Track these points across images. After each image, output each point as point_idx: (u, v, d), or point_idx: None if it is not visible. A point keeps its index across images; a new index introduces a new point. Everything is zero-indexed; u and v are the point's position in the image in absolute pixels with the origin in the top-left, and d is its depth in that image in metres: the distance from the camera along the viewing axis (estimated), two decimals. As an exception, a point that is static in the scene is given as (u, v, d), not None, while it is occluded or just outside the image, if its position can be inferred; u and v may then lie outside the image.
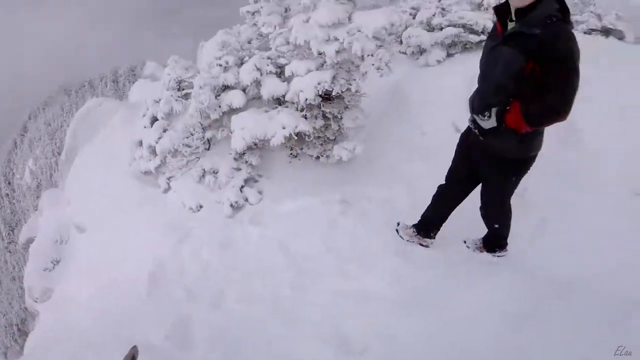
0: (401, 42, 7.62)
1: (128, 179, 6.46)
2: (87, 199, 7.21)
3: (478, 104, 3.00)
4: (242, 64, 5.40)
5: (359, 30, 4.45)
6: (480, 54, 3.10)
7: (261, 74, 5.08)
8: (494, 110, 2.86)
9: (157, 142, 5.91)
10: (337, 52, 4.48)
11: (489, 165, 3.21)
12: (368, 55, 4.54)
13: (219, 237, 4.93)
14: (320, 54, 4.65)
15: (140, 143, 6.34)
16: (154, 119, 6.27)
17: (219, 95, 5.37)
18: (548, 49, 2.53)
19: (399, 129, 5.77)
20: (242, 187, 5.28)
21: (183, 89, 6.16)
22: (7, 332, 24.98)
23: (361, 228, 4.43)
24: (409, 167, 5.13)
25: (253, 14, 5.80)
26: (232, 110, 5.29)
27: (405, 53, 7.64)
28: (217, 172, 5.46)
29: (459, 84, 5.50)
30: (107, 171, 7.04)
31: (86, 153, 8.15)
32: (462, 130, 3.48)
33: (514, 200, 3.94)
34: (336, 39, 4.49)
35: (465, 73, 5.52)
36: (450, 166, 3.60)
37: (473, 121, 3.11)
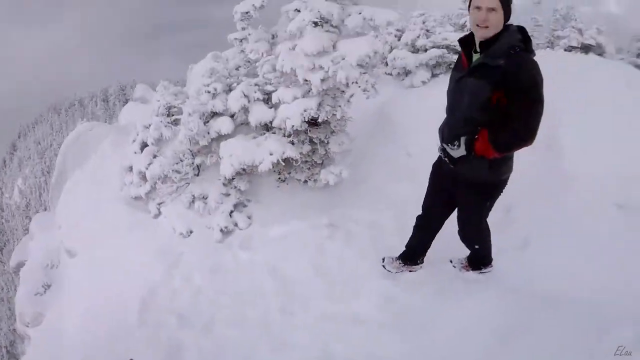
0: (387, 64, 7.76)
1: (119, 204, 6.48)
2: (78, 224, 7.20)
3: (447, 134, 3.07)
4: (230, 90, 5.50)
5: (343, 59, 4.56)
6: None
7: (249, 101, 5.18)
8: (462, 139, 2.93)
9: (147, 168, 5.97)
10: (323, 80, 4.58)
11: (463, 192, 3.28)
12: (353, 83, 4.64)
13: (210, 262, 4.99)
14: (306, 81, 4.75)
15: (131, 169, 6.39)
16: (144, 145, 6.34)
17: (208, 121, 5.46)
18: (512, 79, 2.62)
19: (385, 150, 5.85)
20: (232, 212, 5.33)
21: (172, 115, 6.25)
22: (-4, 354, 24.67)
23: (348, 251, 4.50)
24: (395, 189, 5.18)
25: (241, 40, 5.92)
26: (221, 137, 5.38)
27: (391, 74, 7.77)
28: (206, 198, 5.52)
29: (443, 105, 5.61)
30: (98, 196, 7.06)
31: (77, 178, 8.17)
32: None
33: (499, 218, 4.05)
34: (321, 68, 4.58)
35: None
36: (426, 196, 3.66)
37: (443, 150, 3.17)
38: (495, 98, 2.73)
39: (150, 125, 6.29)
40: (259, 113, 5.11)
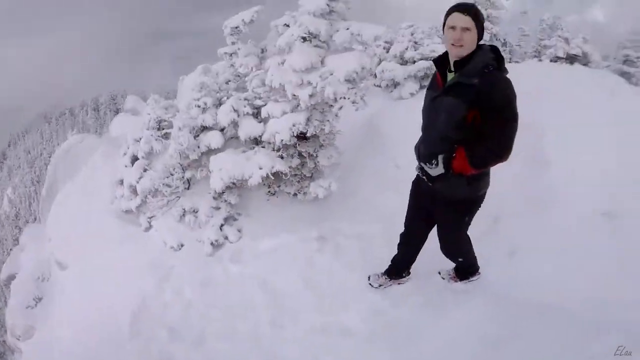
0: (375, 76, 7.85)
1: (109, 217, 6.50)
2: (69, 237, 7.21)
3: (424, 152, 3.12)
4: (220, 104, 5.56)
5: (331, 74, 4.62)
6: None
7: (238, 115, 5.24)
8: (440, 157, 2.97)
9: (137, 182, 6.00)
10: (311, 95, 4.65)
11: (442, 209, 3.33)
12: (341, 98, 4.71)
13: (200, 275, 5.01)
14: (294, 96, 4.81)
15: (121, 182, 6.42)
16: (135, 158, 6.38)
17: (198, 135, 5.51)
18: (485, 98, 2.69)
19: (374, 162, 5.91)
20: (222, 225, 5.36)
21: (163, 129, 6.29)
22: (-16, 366, 24.28)
23: (338, 264, 4.55)
24: (384, 200, 5.22)
25: (230, 55, 5.98)
26: (211, 151, 5.43)
27: (379, 86, 7.87)
28: (197, 212, 5.56)
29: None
30: (89, 209, 7.07)
31: (67, 190, 8.18)
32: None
33: (486, 228, 4.12)
34: (309, 83, 4.65)
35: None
36: (407, 213, 3.72)
37: (421, 169, 3.22)
38: (471, 116, 2.79)
39: (140, 139, 6.32)
40: (249, 127, 5.17)
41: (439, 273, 4.02)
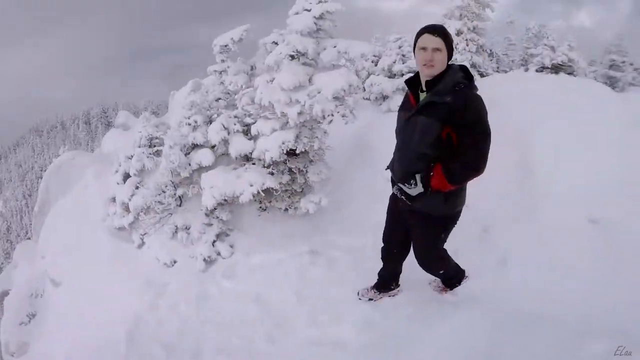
0: (364, 89, 7.95)
1: (102, 235, 6.52)
2: (62, 254, 7.20)
3: (401, 173, 3.17)
4: (210, 122, 5.63)
5: (319, 92, 4.70)
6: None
7: (228, 133, 5.32)
8: (418, 176, 3.02)
9: (129, 199, 6.04)
10: (299, 113, 4.72)
11: (419, 226, 3.37)
12: (329, 115, 4.79)
13: (194, 291, 5.02)
14: (283, 114, 4.89)
15: (114, 199, 6.46)
16: (127, 176, 6.43)
17: (189, 153, 5.58)
18: (458, 115, 2.79)
19: (363, 174, 5.95)
20: (214, 241, 5.40)
21: (154, 146, 6.35)
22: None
23: (330, 277, 4.60)
24: (374, 213, 5.22)
25: (220, 73, 6.07)
26: (202, 168, 5.49)
27: (368, 99, 7.96)
28: (189, 228, 5.60)
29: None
30: (81, 226, 7.08)
31: (60, 207, 8.17)
32: None
33: (476, 238, 4.19)
34: (298, 102, 4.73)
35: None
36: (385, 229, 3.77)
37: (399, 190, 3.24)
38: (445, 134, 2.88)
39: (132, 156, 6.38)
40: (239, 145, 5.23)
41: (430, 284, 4.07)
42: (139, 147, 6.34)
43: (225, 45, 5.95)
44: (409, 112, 3.05)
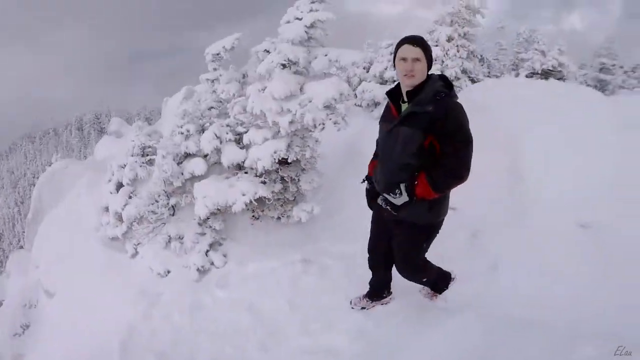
0: (356, 96, 7.99)
1: (96, 245, 6.51)
2: (56, 264, 7.19)
3: (385, 183, 3.17)
4: (203, 131, 5.65)
5: (310, 101, 4.73)
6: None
7: (221, 142, 5.34)
8: (402, 186, 3.02)
9: (123, 209, 6.05)
10: (291, 122, 4.76)
11: (403, 235, 3.36)
12: (320, 124, 4.82)
13: (188, 301, 5.03)
14: (275, 123, 4.92)
15: (107, 209, 6.46)
16: (120, 185, 6.43)
17: (182, 162, 5.59)
18: (439, 124, 2.83)
19: (355, 181, 5.87)
20: (208, 251, 5.41)
21: (147, 155, 6.36)
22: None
23: (322, 285, 4.61)
24: (366, 219, 5.22)
25: (212, 81, 6.10)
26: (195, 177, 5.51)
27: (360, 106, 8.00)
28: (182, 238, 5.60)
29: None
30: (75, 236, 7.07)
31: (53, 217, 8.16)
32: None
33: (467, 244, 4.20)
34: (289, 111, 4.76)
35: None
36: (370, 240, 3.80)
37: (384, 200, 3.22)
38: (428, 142, 2.91)
39: (125, 165, 6.38)
40: (231, 154, 5.26)
41: (420, 291, 4.07)
42: (132, 156, 6.35)
43: (217, 54, 5.99)
44: (391, 123, 3.08)
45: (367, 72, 8.47)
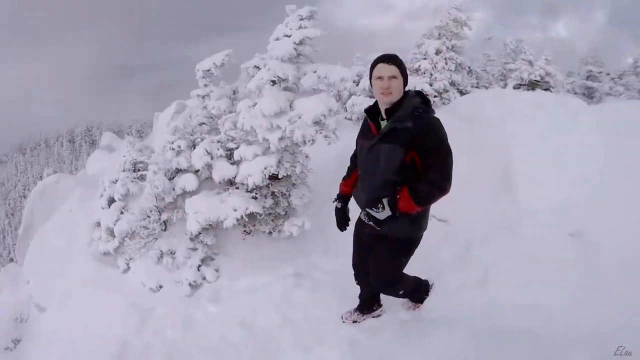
0: (346, 110, 8.06)
1: (87, 260, 6.51)
2: (47, 279, 7.18)
3: (367, 199, 3.19)
4: (194, 146, 5.69)
5: (300, 118, 4.79)
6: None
7: (212, 158, 5.39)
8: (385, 200, 3.04)
9: (114, 224, 6.07)
10: (280, 139, 4.82)
11: (385, 249, 3.37)
12: (309, 141, 4.87)
13: (180, 316, 5.03)
14: (265, 139, 4.98)
15: (99, 224, 6.47)
16: (111, 200, 6.46)
17: (173, 177, 5.63)
18: (420, 140, 2.88)
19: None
20: (200, 266, 5.44)
21: (139, 170, 6.40)
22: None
23: (314, 299, 4.64)
24: None
25: (203, 97, 6.16)
26: (186, 193, 5.55)
27: (350, 119, 8.07)
28: (174, 253, 5.62)
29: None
30: (67, 251, 7.06)
31: (45, 232, 8.14)
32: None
33: (459, 255, 4.23)
34: (279, 127, 4.82)
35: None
36: (353, 256, 3.85)
37: (367, 215, 3.22)
38: (409, 157, 2.96)
39: (117, 181, 6.41)
40: (222, 170, 5.31)
41: (402, 305, 4.11)
42: (124, 171, 6.39)
43: (208, 70, 6.06)
44: (371, 141, 3.10)
45: (357, 85, 8.54)
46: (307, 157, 5.38)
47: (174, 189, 5.51)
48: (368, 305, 4.06)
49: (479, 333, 3.55)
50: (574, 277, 3.95)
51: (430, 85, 8.85)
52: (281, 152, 5.12)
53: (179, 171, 5.68)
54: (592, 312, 3.53)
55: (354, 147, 3.68)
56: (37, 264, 7.85)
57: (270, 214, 5.50)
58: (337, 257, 5.13)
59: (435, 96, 8.96)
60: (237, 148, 5.32)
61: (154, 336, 4.97)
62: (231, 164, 5.35)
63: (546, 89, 11.99)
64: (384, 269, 3.49)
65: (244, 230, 5.70)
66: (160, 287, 5.57)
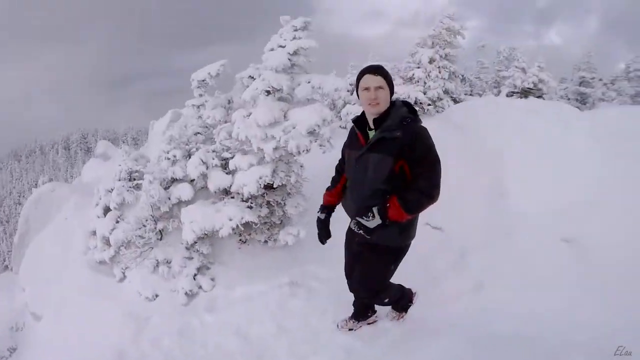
0: (341, 118, 8.11)
1: (83, 269, 6.50)
2: (43, 287, 7.18)
3: (357, 208, 3.20)
4: (189, 156, 5.73)
5: (294, 128, 4.84)
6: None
7: (207, 168, 5.42)
8: (375, 209, 3.04)
9: (110, 233, 6.09)
10: (275, 149, 4.87)
11: (374, 258, 3.40)
12: (304, 151, 4.91)
13: (177, 325, 5.04)
14: (260, 149, 5.02)
15: (94, 233, 6.48)
16: (107, 209, 6.48)
17: (169, 187, 5.67)
18: (408, 149, 2.93)
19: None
20: (195, 275, 5.45)
21: (134, 179, 6.42)
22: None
23: (310, 307, 4.67)
24: None
25: (198, 107, 6.20)
26: (182, 202, 5.58)
27: (345, 127, 8.12)
28: (170, 262, 5.65)
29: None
30: (62, 260, 7.06)
31: (40, 240, 8.15)
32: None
33: (454, 263, 4.26)
34: (273, 137, 4.87)
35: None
36: (345, 265, 3.89)
37: (357, 224, 3.22)
38: (398, 167, 3.00)
39: (112, 190, 6.43)
40: (217, 179, 5.34)
41: (387, 316, 4.14)
42: (119, 180, 6.41)
43: (203, 80, 6.11)
44: (360, 151, 3.14)
45: (352, 94, 8.60)
46: (301, 166, 5.43)
47: (169, 199, 5.55)
48: (362, 312, 4.09)
49: (475, 339, 3.57)
50: (570, 281, 4.02)
51: (424, 93, 8.90)
52: (276, 161, 5.17)
53: (174, 180, 5.71)
54: (589, 315, 3.58)
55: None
56: (32, 272, 7.85)
57: (265, 223, 5.53)
58: (332, 266, 5.13)
59: (429, 104, 9.02)
60: (232, 158, 5.35)
61: (150, 345, 4.96)
62: (226, 173, 5.39)
63: (539, 96, 12.08)
64: (371, 277, 3.52)
65: (240, 240, 5.73)
66: (156, 296, 5.58)
